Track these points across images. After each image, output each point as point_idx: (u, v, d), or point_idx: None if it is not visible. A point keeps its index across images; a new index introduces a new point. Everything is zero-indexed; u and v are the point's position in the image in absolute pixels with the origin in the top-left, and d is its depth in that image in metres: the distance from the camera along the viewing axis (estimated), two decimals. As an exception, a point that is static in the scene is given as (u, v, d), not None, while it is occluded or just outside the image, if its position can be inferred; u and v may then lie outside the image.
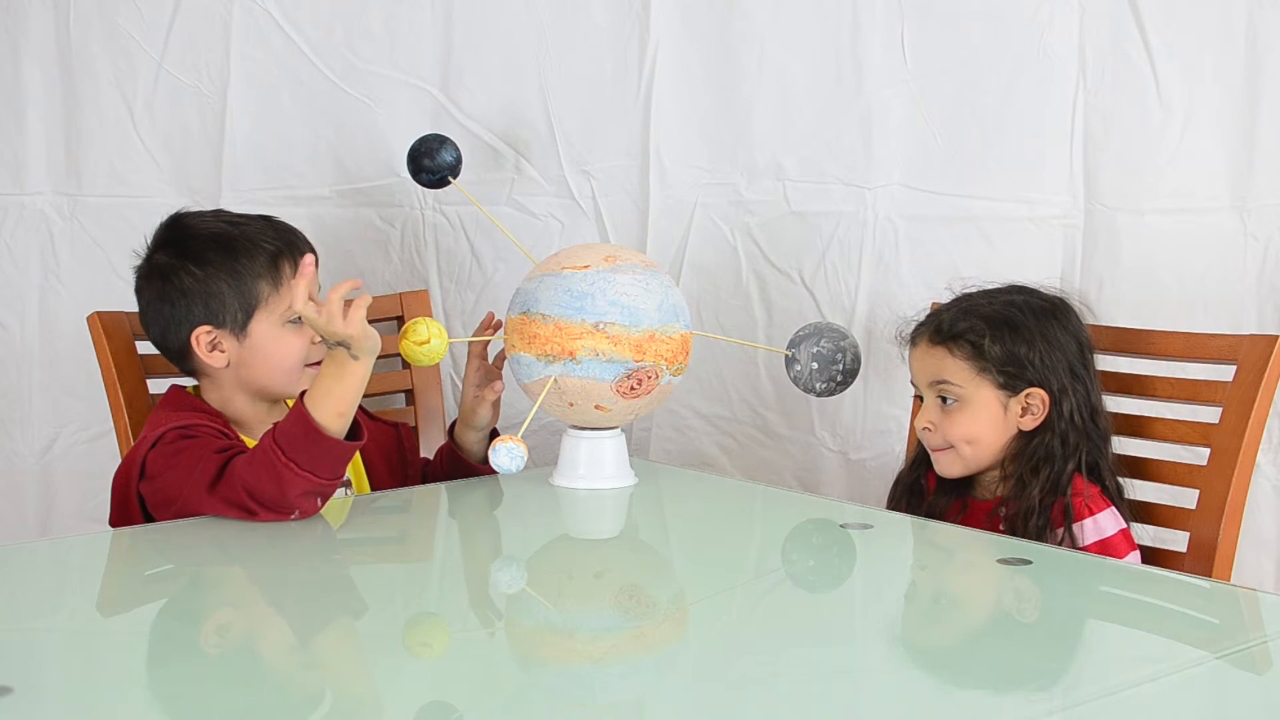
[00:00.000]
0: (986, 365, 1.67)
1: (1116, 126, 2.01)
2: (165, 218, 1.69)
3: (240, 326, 1.62)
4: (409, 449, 1.86)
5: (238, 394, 1.65)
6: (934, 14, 2.04)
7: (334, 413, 1.49)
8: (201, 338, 1.61)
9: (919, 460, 1.78)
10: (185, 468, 1.51)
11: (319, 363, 1.64)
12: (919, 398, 1.76)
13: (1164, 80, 1.99)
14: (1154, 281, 2.01)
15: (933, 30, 2.04)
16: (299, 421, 1.48)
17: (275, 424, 1.50)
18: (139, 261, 1.67)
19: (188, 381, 1.70)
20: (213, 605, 1.30)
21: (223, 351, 1.62)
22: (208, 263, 1.61)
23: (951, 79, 2.04)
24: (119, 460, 1.67)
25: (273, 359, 1.63)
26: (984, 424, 1.69)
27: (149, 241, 1.67)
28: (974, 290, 1.76)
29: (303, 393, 1.51)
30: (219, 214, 1.69)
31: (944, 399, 1.70)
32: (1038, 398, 1.67)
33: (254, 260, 1.62)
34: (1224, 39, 1.98)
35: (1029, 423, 1.67)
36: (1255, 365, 1.66)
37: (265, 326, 1.62)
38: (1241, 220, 1.99)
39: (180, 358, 1.66)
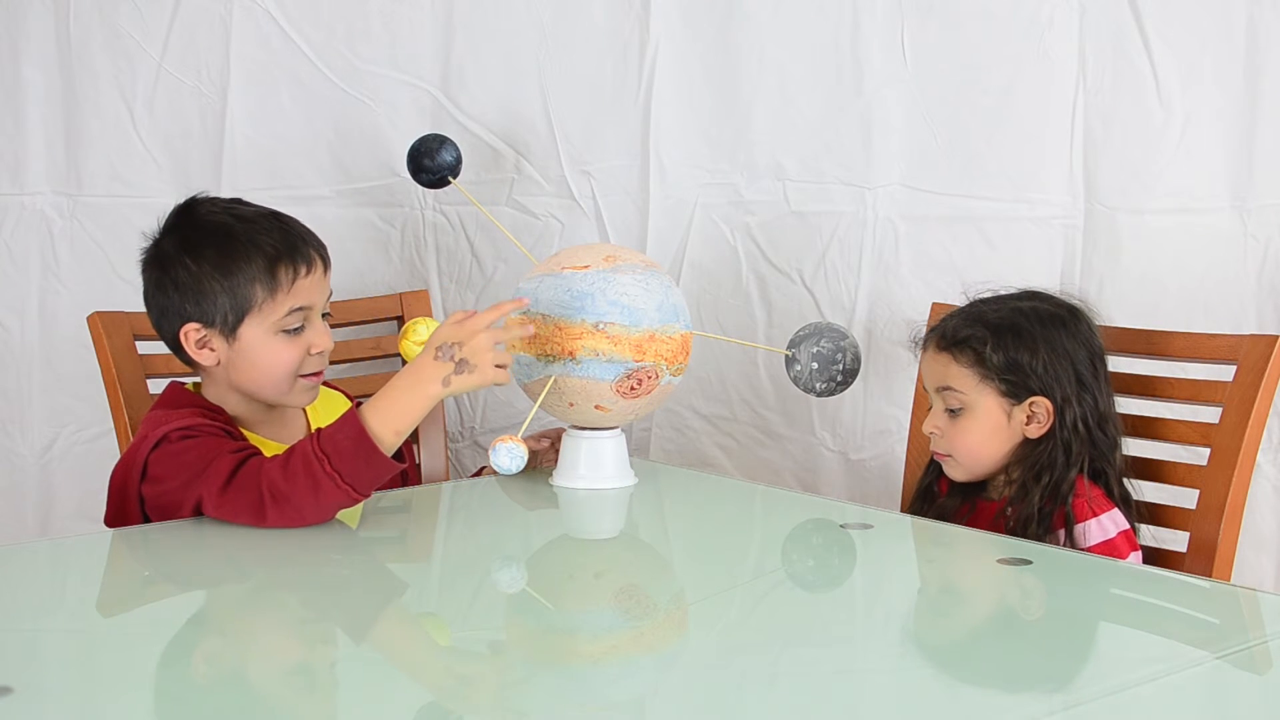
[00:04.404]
0: (989, 373, 1.67)
1: (1116, 126, 2.01)
2: (183, 200, 1.64)
3: (230, 329, 1.56)
4: (408, 462, 1.85)
5: (231, 393, 1.61)
6: (934, 14, 2.04)
7: (391, 428, 1.46)
8: (190, 334, 1.57)
9: (933, 465, 1.78)
10: (191, 468, 1.48)
11: (315, 374, 1.61)
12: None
13: (1164, 80, 1.99)
14: (1154, 281, 2.01)
15: (933, 30, 2.04)
16: (350, 430, 1.45)
17: (318, 431, 1.46)
18: (148, 243, 1.63)
19: (188, 379, 1.69)
20: (212, 605, 1.30)
21: (212, 350, 1.58)
22: (203, 259, 1.56)
23: (951, 79, 2.05)
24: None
25: (260, 366, 1.58)
26: (987, 432, 1.68)
27: (160, 223, 1.63)
28: (988, 295, 1.75)
29: (357, 403, 1.49)
30: (233, 206, 1.63)
31: (948, 400, 1.70)
32: (1042, 406, 1.66)
33: (250, 263, 1.56)
34: (1224, 39, 1.98)
35: (1034, 430, 1.67)
36: (1255, 365, 1.66)
37: (256, 332, 1.57)
38: (1241, 220, 1.99)
39: (174, 349, 1.62)
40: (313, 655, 1.16)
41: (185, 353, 1.59)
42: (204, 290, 1.56)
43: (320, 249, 1.62)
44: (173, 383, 1.66)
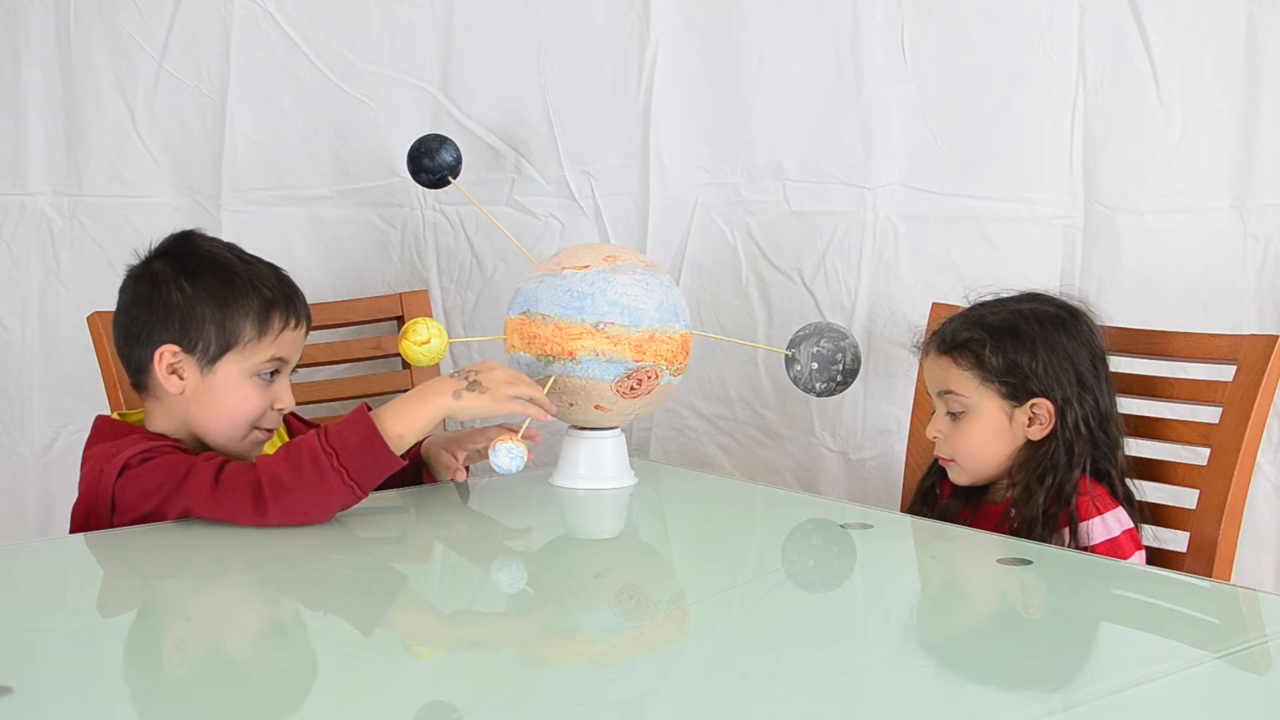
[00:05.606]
0: (989, 375, 1.67)
1: (1116, 126, 2.01)
2: (179, 230, 1.64)
3: (209, 360, 1.54)
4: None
5: (181, 429, 1.57)
6: (934, 14, 2.04)
7: (396, 432, 1.47)
8: (165, 356, 1.54)
9: (935, 467, 1.78)
10: (166, 487, 1.46)
11: (268, 430, 1.60)
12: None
13: (1164, 80, 1.99)
14: (1154, 281, 2.01)
15: (933, 30, 2.04)
16: (360, 428, 1.46)
17: (325, 428, 1.46)
18: (136, 261, 1.61)
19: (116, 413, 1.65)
20: (212, 605, 1.30)
21: (181, 378, 1.54)
22: (200, 284, 1.55)
23: (951, 79, 2.05)
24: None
25: (224, 405, 1.55)
26: (989, 435, 1.68)
27: (153, 246, 1.61)
28: (989, 298, 1.75)
29: (363, 405, 1.49)
30: (232, 246, 1.63)
31: (950, 404, 1.70)
32: (1043, 408, 1.66)
33: (247, 299, 1.55)
34: (1224, 39, 1.98)
35: (1037, 432, 1.67)
36: (1255, 365, 1.66)
37: (233, 371, 1.55)
38: (1241, 220, 1.99)
39: (136, 369, 1.58)
40: (314, 655, 1.16)
41: (148, 375, 1.56)
42: (194, 315, 1.54)
43: (309, 310, 1.62)
44: (100, 417, 1.62)
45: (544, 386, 1.63)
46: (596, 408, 1.66)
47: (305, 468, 1.44)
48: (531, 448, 1.62)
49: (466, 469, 1.70)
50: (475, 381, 1.52)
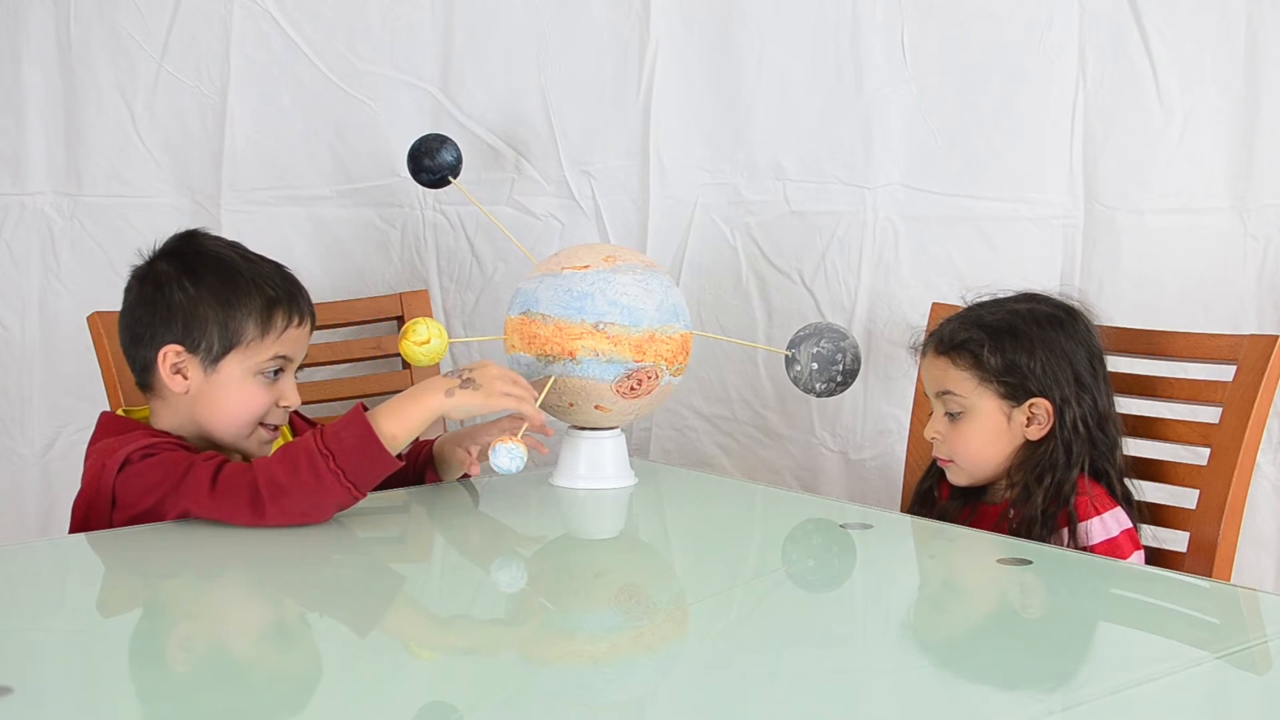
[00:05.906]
0: (987, 375, 1.67)
1: (1116, 126, 2.01)
2: (183, 229, 1.64)
3: (212, 360, 1.55)
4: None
5: (186, 425, 1.58)
6: (934, 14, 2.04)
7: (391, 432, 1.47)
8: (169, 356, 1.55)
9: (933, 469, 1.78)
10: (165, 484, 1.46)
11: (274, 428, 1.61)
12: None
13: (1164, 80, 1.99)
14: (1154, 281, 2.01)
15: (933, 30, 2.04)
16: (356, 429, 1.46)
17: (322, 428, 1.47)
18: (140, 261, 1.62)
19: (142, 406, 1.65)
20: (212, 605, 1.30)
21: (185, 378, 1.55)
22: (203, 284, 1.55)
23: (951, 79, 2.05)
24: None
25: (228, 403, 1.56)
26: (987, 435, 1.68)
27: (157, 246, 1.62)
28: (986, 299, 1.75)
29: (359, 405, 1.49)
30: (235, 245, 1.63)
31: (949, 404, 1.70)
32: (1042, 408, 1.66)
33: (250, 298, 1.55)
34: (1224, 39, 1.98)
35: (1035, 432, 1.67)
36: (1255, 365, 1.66)
37: (236, 369, 1.55)
38: (1241, 220, 1.99)
39: (141, 369, 1.59)
40: (314, 655, 1.16)
41: (153, 375, 1.57)
42: (197, 315, 1.55)
43: (312, 307, 1.63)
44: (106, 413, 1.63)
45: (544, 386, 1.63)
46: (596, 408, 1.66)
47: (302, 469, 1.44)
48: (541, 440, 1.62)
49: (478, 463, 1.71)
50: (469, 379, 1.52)
